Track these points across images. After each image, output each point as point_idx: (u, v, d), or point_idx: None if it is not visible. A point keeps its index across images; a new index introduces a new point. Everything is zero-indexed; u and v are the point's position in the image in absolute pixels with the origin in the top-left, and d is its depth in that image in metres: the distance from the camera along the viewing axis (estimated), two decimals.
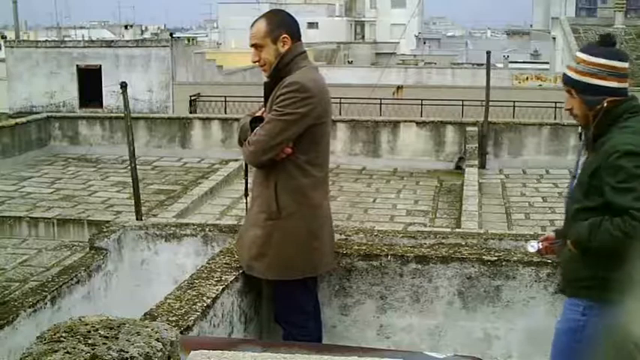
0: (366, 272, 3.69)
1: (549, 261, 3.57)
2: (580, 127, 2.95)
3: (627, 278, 2.81)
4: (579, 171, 2.90)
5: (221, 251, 3.83)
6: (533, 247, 3.16)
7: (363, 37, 62.33)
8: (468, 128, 14.42)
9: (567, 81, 2.87)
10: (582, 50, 2.87)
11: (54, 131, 15.93)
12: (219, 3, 58.13)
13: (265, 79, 3.43)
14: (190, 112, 18.64)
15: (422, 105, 17.53)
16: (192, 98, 19.38)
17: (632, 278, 2.83)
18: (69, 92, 20.72)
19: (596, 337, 2.85)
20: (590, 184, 2.77)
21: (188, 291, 3.19)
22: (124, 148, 11.98)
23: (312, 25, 49.89)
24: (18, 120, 15.65)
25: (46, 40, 27.81)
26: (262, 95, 3.44)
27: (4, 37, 25.73)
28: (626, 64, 2.83)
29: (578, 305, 2.88)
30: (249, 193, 3.58)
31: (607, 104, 2.76)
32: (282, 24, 3.35)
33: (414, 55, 42.67)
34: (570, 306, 2.93)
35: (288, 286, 3.43)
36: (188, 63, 22.13)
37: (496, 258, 3.60)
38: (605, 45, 2.83)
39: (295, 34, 3.37)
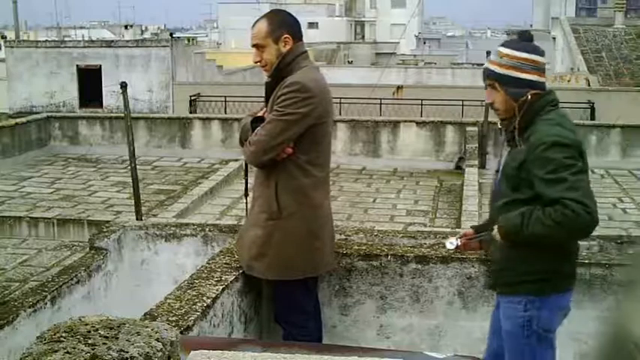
0: (366, 272, 3.69)
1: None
2: (500, 122, 3.01)
3: (566, 269, 2.88)
4: (502, 166, 2.95)
5: (221, 251, 3.83)
6: (452, 244, 3.13)
7: (363, 37, 62.32)
8: (468, 128, 14.42)
9: (490, 75, 2.92)
10: (504, 45, 2.94)
11: (54, 131, 15.92)
12: (219, 3, 58.13)
13: (266, 79, 3.43)
14: (190, 112, 18.63)
15: (422, 105, 17.51)
16: (192, 98, 19.37)
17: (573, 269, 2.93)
18: (69, 92, 20.71)
19: (542, 328, 2.89)
20: (519, 177, 2.81)
21: (188, 291, 3.19)
22: (124, 148, 11.97)
23: (312, 25, 49.87)
24: (18, 120, 15.63)
25: (46, 40, 27.78)
26: (263, 95, 3.45)
27: (4, 37, 25.74)
28: (544, 60, 2.92)
29: (518, 302, 2.90)
30: (249, 193, 3.58)
31: (531, 96, 2.83)
32: (283, 24, 3.35)
33: (414, 55, 42.62)
34: (510, 304, 2.94)
35: (289, 286, 3.43)
36: (188, 63, 22.12)
37: None
38: (525, 40, 2.91)
39: (296, 35, 3.37)
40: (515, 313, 2.91)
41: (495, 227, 2.91)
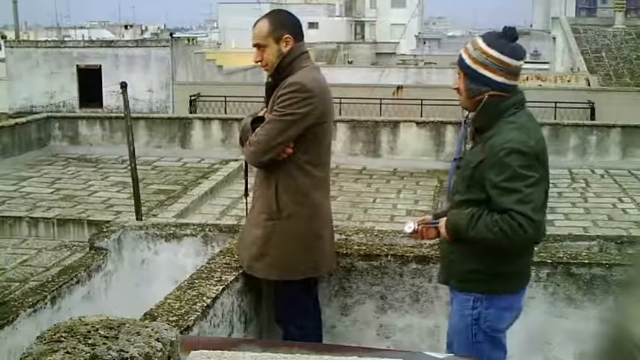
0: (366, 272, 3.69)
1: (549, 261, 3.57)
2: (463, 111, 3.00)
3: (517, 268, 2.89)
4: (458, 158, 2.96)
5: (221, 251, 3.83)
6: (410, 227, 3.10)
7: (363, 37, 62.33)
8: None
9: (460, 63, 2.87)
10: (482, 37, 2.85)
11: (54, 131, 15.91)
12: (219, 3, 58.12)
13: (267, 79, 3.43)
14: (190, 112, 18.62)
15: (422, 105, 17.50)
16: (192, 98, 19.37)
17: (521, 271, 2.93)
18: (69, 92, 20.71)
19: (490, 327, 2.89)
20: (473, 178, 2.79)
21: (188, 291, 3.19)
22: (124, 148, 11.96)
23: (312, 25, 49.86)
24: (18, 120, 15.62)
25: (46, 40, 27.81)
26: (263, 95, 3.44)
27: (4, 37, 25.72)
28: (518, 63, 2.80)
29: (467, 300, 2.90)
30: (250, 193, 3.57)
31: (487, 97, 2.77)
32: (284, 24, 3.35)
33: (414, 55, 42.53)
34: (460, 301, 2.94)
35: (289, 286, 3.43)
36: (188, 63, 22.13)
37: None
38: (506, 39, 2.79)
39: (297, 35, 3.36)
40: (463, 310, 2.91)
41: (443, 220, 2.90)
